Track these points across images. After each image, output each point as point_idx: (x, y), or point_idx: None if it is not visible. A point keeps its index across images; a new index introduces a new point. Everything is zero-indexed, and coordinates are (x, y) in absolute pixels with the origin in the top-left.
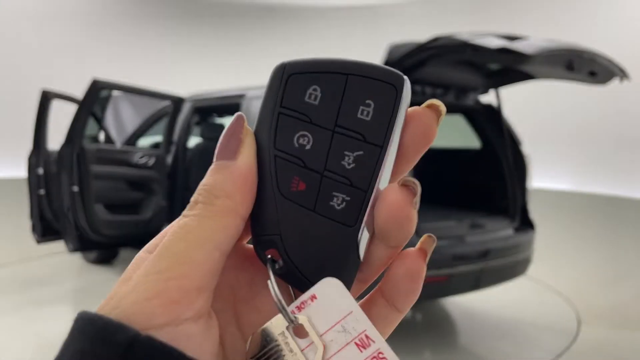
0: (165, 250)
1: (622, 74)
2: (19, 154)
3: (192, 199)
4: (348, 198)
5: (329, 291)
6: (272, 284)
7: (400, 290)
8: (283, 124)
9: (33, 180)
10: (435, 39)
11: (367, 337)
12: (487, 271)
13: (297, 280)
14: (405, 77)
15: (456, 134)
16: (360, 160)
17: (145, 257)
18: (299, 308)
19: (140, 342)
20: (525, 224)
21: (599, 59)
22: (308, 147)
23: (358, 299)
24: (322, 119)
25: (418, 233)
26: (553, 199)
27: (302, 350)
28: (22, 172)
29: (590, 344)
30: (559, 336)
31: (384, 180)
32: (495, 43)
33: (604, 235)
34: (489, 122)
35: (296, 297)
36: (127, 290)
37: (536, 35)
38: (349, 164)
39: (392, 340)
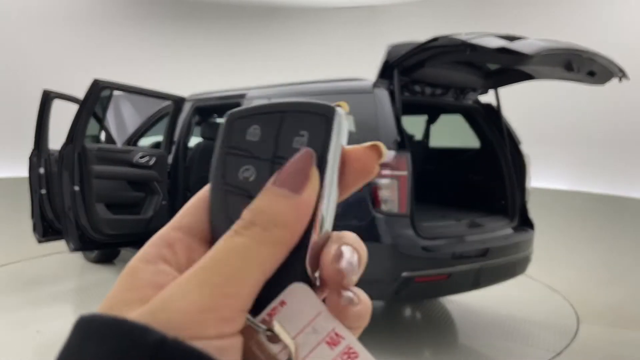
0: (222, 265)
1: (621, 74)
2: (20, 154)
3: (247, 217)
4: None
5: (297, 295)
6: None
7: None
8: (230, 162)
9: (34, 180)
10: (435, 39)
11: (336, 334)
12: (487, 270)
13: (256, 308)
14: (337, 108)
15: (455, 133)
16: None
17: (141, 268)
18: (270, 315)
19: (169, 344)
20: (525, 223)
21: (598, 58)
22: (252, 178)
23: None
24: (263, 152)
25: (418, 232)
26: (551, 199)
27: (276, 355)
28: (23, 171)
29: (590, 342)
30: (559, 334)
31: (327, 197)
32: (494, 43)
33: (602, 234)
34: (488, 122)
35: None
36: (175, 295)
37: (536, 35)
38: None
39: (392, 338)
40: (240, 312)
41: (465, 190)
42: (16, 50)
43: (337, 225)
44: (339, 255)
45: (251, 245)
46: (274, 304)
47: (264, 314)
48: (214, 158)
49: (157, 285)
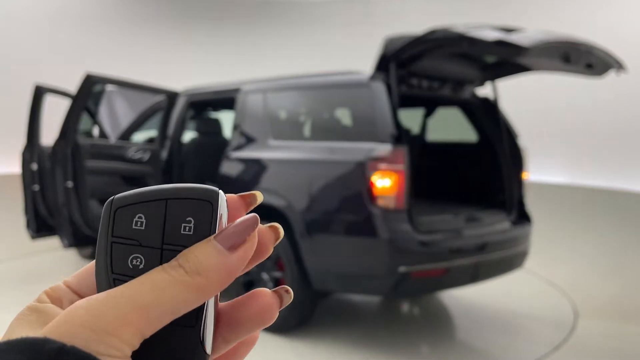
0: (136, 291)
1: (619, 66)
2: (12, 150)
3: (178, 260)
4: None
5: None
6: None
7: (245, 331)
8: (116, 251)
9: (27, 176)
10: (432, 32)
11: None
12: (484, 264)
13: None
14: (219, 191)
15: (453, 127)
16: None
17: (39, 306)
18: None
19: (67, 351)
20: (522, 217)
21: (595, 51)
22: (141, 266)
23: None
24: (150, 240)
25: (416, 227)
26: (549, 192)
27: None
28: (16, 168)
29: (587, 336)
30: (556, 329)
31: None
32: (491, 35)
33: (600, 228)
34: (486, 115)
35: None
36: (81, 309)
37: (534, 27)
38: None
39: (390, 333)
40: (137, 338)
41: (462, 184)
42: (8, 46)
43: (335, 219)
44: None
45: (170, 283)
46: None
47: None
48: (98, 246)
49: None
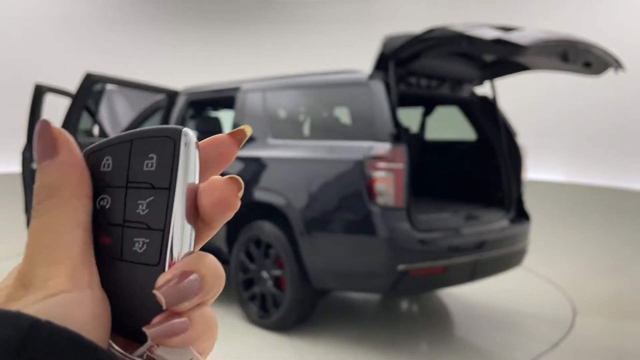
0: (39, 247)
1: (617, 65)
2: (13, 149)
3: (32, 202)
4: (147, 240)
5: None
6: (112, 344)
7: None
8: None
9: (27, 175)
10: (430, 31)
11: None
12: (483, 262)
13: (129, 331)
14: (184, 129)
15: (451, 125)
16: (152, 205)
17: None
18: (150, 351)
19: (40, 326)
20: (521, 215)
21: (593, 49)
22: (108, 206)
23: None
24: (116, 180)
25: (414, 225)
26: (548, 190)
27: None
28: (16, 167)
29: (586, 333)
30: (555, 326)
31: (177, 224)
32: (490, 34)
33: (598, 226)
34: (484, 114)
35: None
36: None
37: (532, 26)
38: (143, 211)
39: (389, 331)
40: (82, 266)
41: (461, 182)
42: (8, 45)
43: (334, 218)
44: (172, 279)
45: (50, 217)
46: (148, 345)
47: (143, 349)
48: None
49: None
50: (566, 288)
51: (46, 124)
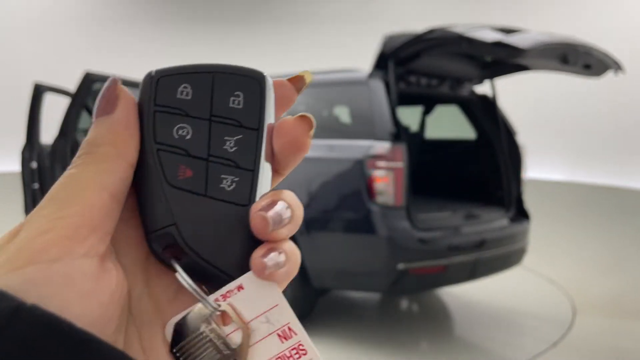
0: (51, 197)
1: (617, 67)
2: (12, 148)
3: (77, 153)
4: (237, 179)
5: (257, 283)
6: (183, 277)
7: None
8: (160, 120)
9: (27, 174)
10: (431, 31)
11: (289, 329)
12: (483, 261)
13: (203, 271)
14: (266, 74)
15: (451, 124)
16: (241, 144)
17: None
18: (224, 297)
19: (24, 311)
20: (521, 214)
21: (593, 52)
22: (188, 137)
23: None
24: (197, 111)
25: (414, 224)
26: (548, 189)
27: (226, 336)
28: (15, 166)
29: (586, 333)
30: (555, 325)
31: (261, 167)
32: (490, 36)
33: (598, 224)
34: (484, 113)
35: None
36: (22, 231)
37: (532, 25)
38: (231, 148)
39: (388, 330)
40: (88, 228)
41: (461, 181)
42: (7, 44)
43: (333, 217)
44: (269, 205)
45: (81, 170)
46: (231, 287)
47: (217, 294)
48: (140, 118)
49: None
50: (566, 287)
51: (114, 81)
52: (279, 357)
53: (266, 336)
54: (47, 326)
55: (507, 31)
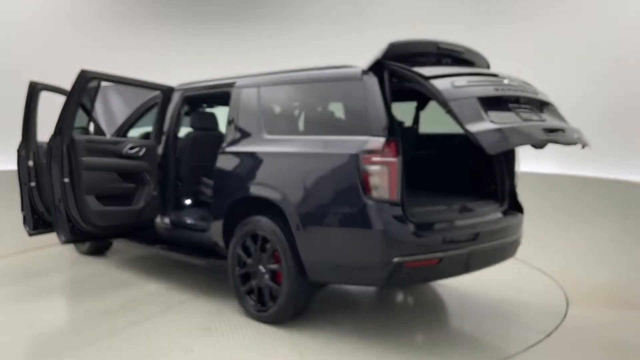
0: None
1: (584, 144)
2: (8, 147)
3: None
4: None
5: None
6: None
7: None
8: None
9: (23, 173)
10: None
11: None
12: (477, 254)
13: None
14: None
15: (445, 119)
16: None
17: None
18: None
19: None
20: (514, 207)
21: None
22: None
23: None
24: None
25: (409, 218)
26: (541, 182)
27: None
28: (11, 164)
29: (579, 323)
30: (548, 316)
31: None
32: (470, 119)
33: (590, 217)
34: None
35: None
36: None
37: (531, 26)
38: None
39: (384, 323)
40: None
41: (455, 175)
42: (3, 43)
43: (329, 212)
44: None
45: None
46: None
47: None
48: None
49: None
50: (560, 279)
51: None
52: None
53: None
54: None
55: (498, 87)
